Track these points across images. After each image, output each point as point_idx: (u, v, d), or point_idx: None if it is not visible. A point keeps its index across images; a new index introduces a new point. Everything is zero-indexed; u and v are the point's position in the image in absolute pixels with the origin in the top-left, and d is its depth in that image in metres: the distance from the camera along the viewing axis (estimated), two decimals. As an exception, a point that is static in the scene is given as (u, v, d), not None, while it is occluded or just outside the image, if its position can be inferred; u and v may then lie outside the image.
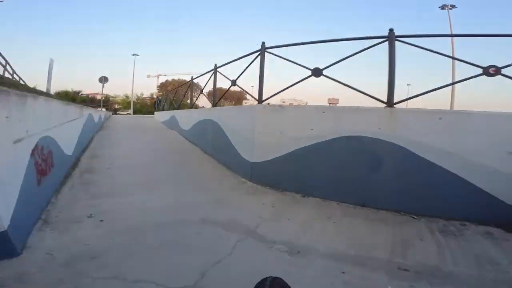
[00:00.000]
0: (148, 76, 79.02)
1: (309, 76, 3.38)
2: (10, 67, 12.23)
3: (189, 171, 4.36)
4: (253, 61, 4.02)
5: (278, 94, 3.94)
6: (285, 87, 3.74)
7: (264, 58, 3.78)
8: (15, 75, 12.66)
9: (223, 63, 5.27)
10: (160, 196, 3.08)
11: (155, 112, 14.12)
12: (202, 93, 6.41)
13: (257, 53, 3.94)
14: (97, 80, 17.49)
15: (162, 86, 76.74)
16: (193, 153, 5.83)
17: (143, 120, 13.88)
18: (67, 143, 3.77)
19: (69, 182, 3.36)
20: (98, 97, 63.43)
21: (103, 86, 16.55)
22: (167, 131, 9.48)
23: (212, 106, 5.70)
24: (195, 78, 7.21)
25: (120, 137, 7.46)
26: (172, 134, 8.66)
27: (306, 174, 3.26)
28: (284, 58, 3.67)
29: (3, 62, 11.99)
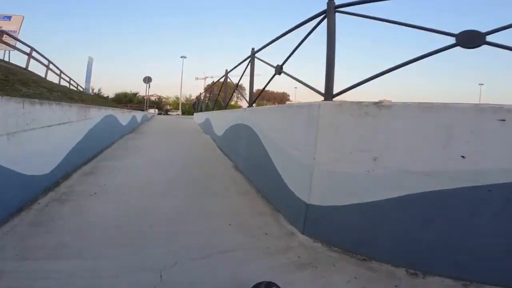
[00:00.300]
0: (196, 79, 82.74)
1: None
2: (66, 75, 12.85)
3: (207, 204, 2.81)
4: (310, 33, 2.30)
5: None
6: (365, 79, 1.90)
7: (334, 24, 2.02)
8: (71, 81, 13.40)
9: (263, 46, 3.62)
10: (141, 263, 1.58)
11: (194, 114, 13.32)
12: (237, 88, 4.84)
13: (322, 16, 2.19)
14: (147, 81, 17.69)
15: (209, 88, 79.88)
16: (222, 168, 4.32)
17: (182, 122, 13.26)
18: (34, 158, 2.56)
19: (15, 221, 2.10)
20: (152, 98, 69.08)
21: (148, 87, 16.68)
22: (201, 135, 8.28)
23: (248, 106, 4.11)
24: (230, 71, 5.73)
25: (145, 142, 6.42)
26: (204, 139, 7.38)
27: (435, 240, 1.43)
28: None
29: (58, 72, 12.65)
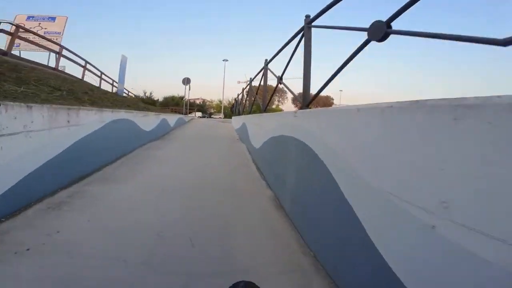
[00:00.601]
0: (239, 82, 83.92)
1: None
2: (108, 76, 12.97)
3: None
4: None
5: None
6: None
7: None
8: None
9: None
10: None
11: (232, 117, 12.15)
12: (281, 81, 3.23)
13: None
14: (186, 82, 17.28)
15: (246, 87, 79.67)
16: (255, 204, 2.75)
17: (219, 126, 12.17)
18: None
19: None
20: (197, 101, 71.79)
21: (189, 89, 16.14)
22: (235, 145, 6.87)
23: (301, 108, 2.48)
24: (270, 61, 4.15)
25: (167, 154, 5.23)
26: (238, 151, 5.92)
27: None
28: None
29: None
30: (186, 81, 14.75)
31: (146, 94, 55.34)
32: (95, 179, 3.28)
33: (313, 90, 2.37)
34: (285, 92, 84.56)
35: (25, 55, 10.50)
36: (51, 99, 3.69)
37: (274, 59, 3.97)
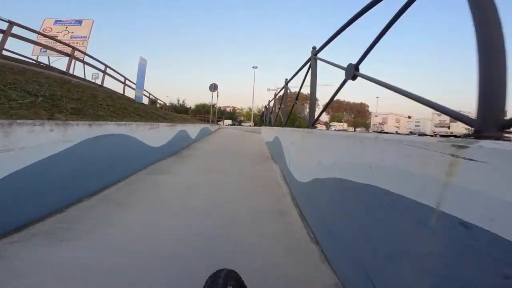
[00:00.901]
0: (268, 90, 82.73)
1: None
2: (132, 82, 12.47)
3: None
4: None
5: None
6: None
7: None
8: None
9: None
10: None
11: (262, 127, 10.61)
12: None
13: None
14: (213, 88, 16.47)
15: (280, 92, 77.61)
16: None
17: (248, 137, 10.66)
18: None
19: None
20: (228, 109, 72.12)
21: (217, 96, 15.27)
22: (266, 165, 5.33)
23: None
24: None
25: (173, 183, 3.85)
26: (270, 176, 4.38)
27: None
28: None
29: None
30: (213, 87, 13.77)
31: (180, 102, 57.35)
32: (35, 233, 1.97)
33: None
34: (317, 99, 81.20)
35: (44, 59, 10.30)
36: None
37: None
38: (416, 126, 29.48)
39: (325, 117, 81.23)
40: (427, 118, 29.72)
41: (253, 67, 60.64)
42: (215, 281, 0.68)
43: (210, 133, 11.60)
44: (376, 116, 31.48)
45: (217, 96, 15.36)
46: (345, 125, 46.85)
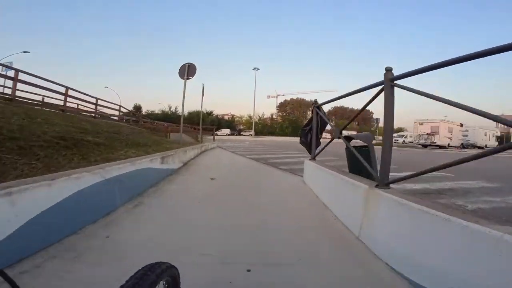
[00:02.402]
0: (268, 97, 78.79)
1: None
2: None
3: None
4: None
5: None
6: None
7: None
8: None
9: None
10: None
11: (306, 163, 4.44)
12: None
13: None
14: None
15: (282, 106, 74.18)
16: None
17: (264, 175, 5.16)
18: None
19: None
20: (226, 117, 67.33)
21: (202, 95, 11.17)
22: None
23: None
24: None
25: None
26: None
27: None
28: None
29: None
30: (187, 70, 7.43)
31: (171, 109, 53.07)
32: None
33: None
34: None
35: None
36: None
37: None
38: (463, 135, 24.59)
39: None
40: (477, 125, 24.99)
41: (254, 69, 56.51)
42: (145, 274, 0.56)
43: (193, 159, 7.48)
44: (421, 124, 23.43)
45: (202, 95, 11.18)
46: (353, 133, 42.07)
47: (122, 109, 15.60)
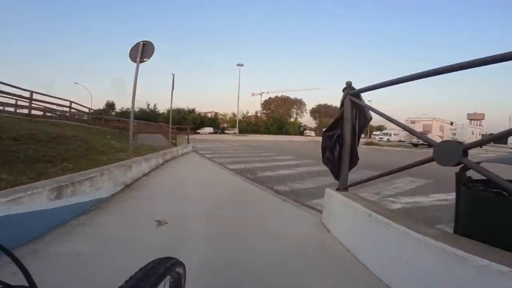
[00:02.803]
0: (253, 95, 76.83)
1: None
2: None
3: None
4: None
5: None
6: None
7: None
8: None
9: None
10: None
11: (328, 192, 2.45)
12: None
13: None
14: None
15: (266, 104, 72.66)
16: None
17: (253, 208, 4.22)
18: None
19: None
20: (208, 115, 64.23)
21: (172, 88, 9.05)
22: None
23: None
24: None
25: None
26: None
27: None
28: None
29: None
30: (141, 50, 5.10)
31: (150, 107, 49.62)
32: None
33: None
34: (304, 104, 76.64)
35: None
36: None
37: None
38: (452, 134, 23.89)
39: (313, 123, 76.85)
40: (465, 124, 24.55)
41: (238, 65, 53.79)
42: (155, 267, 0.57)
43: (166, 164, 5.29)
44: (413, 122, 22.08)
45: (173, 88, 9.05)
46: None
47: (74, 106, 12.98)
